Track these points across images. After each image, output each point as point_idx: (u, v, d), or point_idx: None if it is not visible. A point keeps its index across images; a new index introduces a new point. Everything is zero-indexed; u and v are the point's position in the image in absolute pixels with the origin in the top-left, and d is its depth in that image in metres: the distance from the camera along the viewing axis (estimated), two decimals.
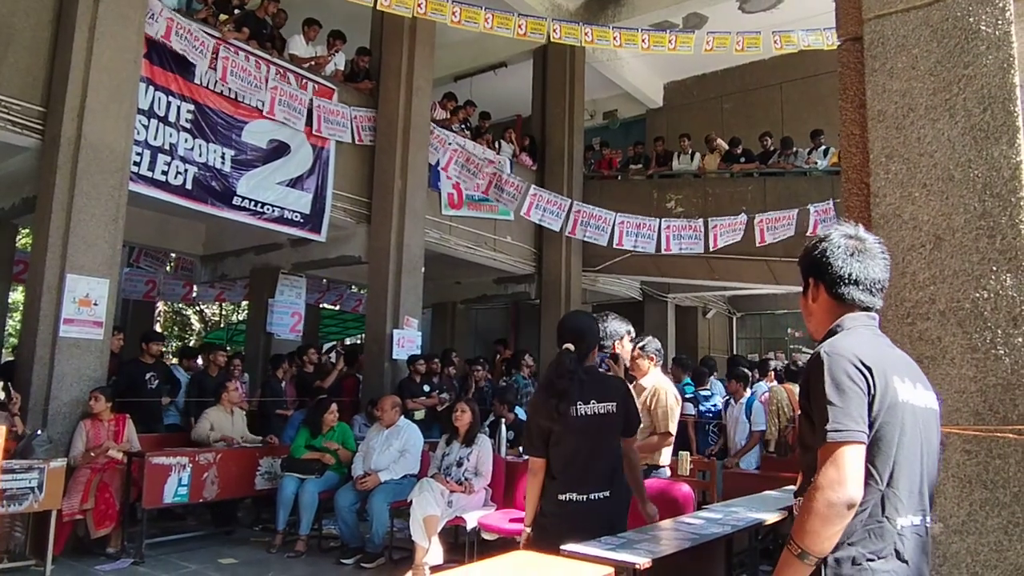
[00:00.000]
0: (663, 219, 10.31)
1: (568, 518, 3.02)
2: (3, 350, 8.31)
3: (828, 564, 1.62)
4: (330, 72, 9.11)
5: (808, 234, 9.39)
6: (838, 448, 1.58)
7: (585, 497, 3.05)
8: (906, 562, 1.65)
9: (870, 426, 1.63)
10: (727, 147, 12.13)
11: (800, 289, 1.97)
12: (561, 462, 3.08)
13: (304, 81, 8.60)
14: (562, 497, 3.05)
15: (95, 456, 5.71)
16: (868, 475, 1.62)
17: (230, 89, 7.79)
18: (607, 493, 3.10)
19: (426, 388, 8.69)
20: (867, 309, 1.82)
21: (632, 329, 4.03)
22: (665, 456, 4.38)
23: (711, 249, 10.08)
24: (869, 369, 1.64)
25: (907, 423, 1.67)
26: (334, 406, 6.78)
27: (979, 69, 2.22)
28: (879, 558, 1.63)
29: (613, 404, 3.15)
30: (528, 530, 3.16)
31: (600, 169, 13.38)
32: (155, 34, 6.93)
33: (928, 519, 1.72)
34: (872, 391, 1.63)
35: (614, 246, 10.31)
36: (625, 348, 3.93)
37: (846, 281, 1.80)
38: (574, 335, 3.16)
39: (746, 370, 7.91)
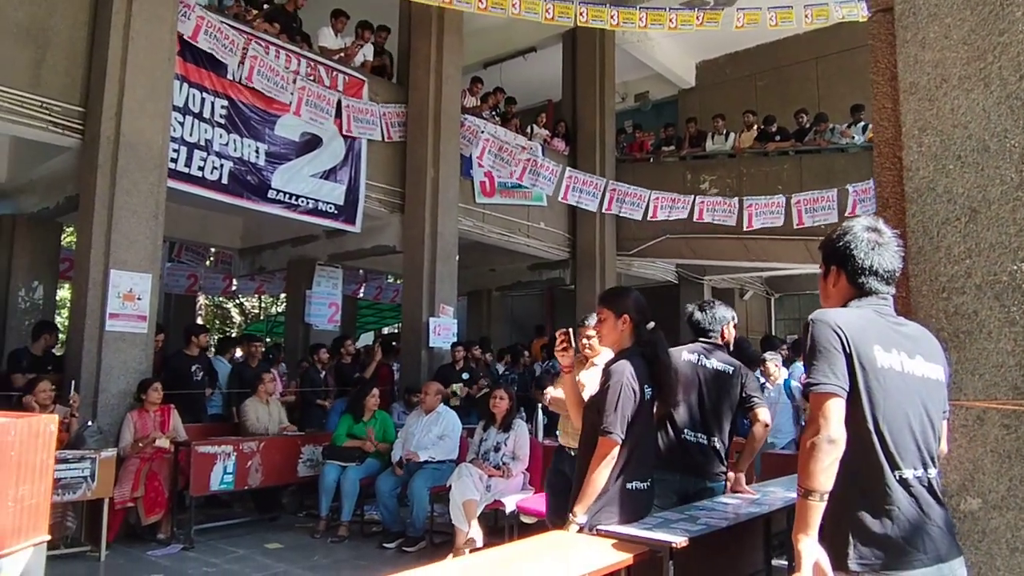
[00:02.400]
0: (697, 196, 10.44)
1: (635, 509, 2.90)
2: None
3: (841, 509, 1.83)
4: (359, 63, 9.17)
5: (847, 214, 9.24)
6: (816, 398, 1.83)
7: (647, 485, 2.99)
8: (917, 508, 1.83)
9: (863, 389, 1.84)
10: (761, 126, 11.94)
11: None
12: (638, 447, 2.93)
13: (334, 74, 8.67)
14: (630, 486, 2.89)
15: (143, 446, 5.88)
16: (863, 433, 1.84)
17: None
18: (653, 480, 3.08)
19: (465, 376, 8.76)
20: (877, 293, 2.01)
21: (736, 314, 4.05)
22: None
23: (746, 228, 10.06)
24: (845, 333, 1.86)
25: (891, 388, 1.86)
26: (375, 390, 6.91)
27: (1015, 36, 2.16)
28: (887, 505, 1.82)
29: None
30: (582, 517, 2.82)
31: (632, 152, 13.28)
32: (185, 33, 7.04)
33: (931, 471, 1.89)
34: (848, 351, 1.84)
35: (648, 219, 10.49)
36: (730, 332, 3.96)
37: (867, 272, 2.00)
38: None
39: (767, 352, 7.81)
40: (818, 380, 1.83)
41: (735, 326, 4.04)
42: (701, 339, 3.84)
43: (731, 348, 3.98)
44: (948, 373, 2.02)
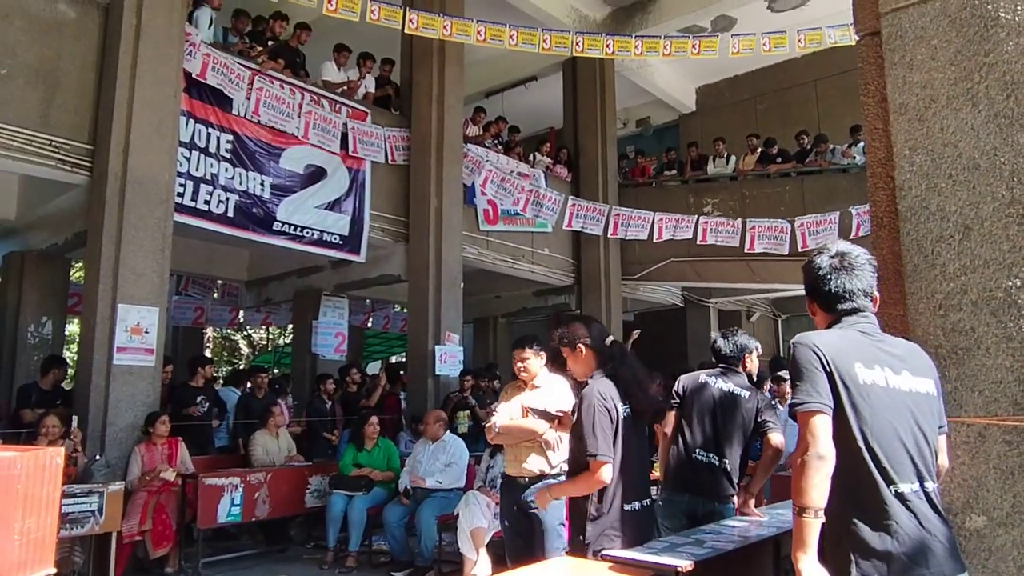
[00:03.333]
0: (701, 216, 10.54)
1: (636, 530, 2.93)
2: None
3: (840, 527, 1.85)
4: (362, 95, 9.29)
5: (851, 236, 9.28)
6: (802, 417, 1.88)
7: (644, 505, 3.01)
8: (916, 523, 1.84)
9: (848, 406, 1.88)
10: (762, 147, 12.03)
11: None
12: (629, 467, 2.95)
13: (338, 106, 8.79)
14: (628, 507, 2.93)
15: (150, 479, 5.88)
16: (853, 449, 1.87)
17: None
18: (651, 499, 3.12)
19: (473, 401, 8.74)
20: (857, 310, 2.08)
21: (760, 345, 4.10)
22: (538, 462, 3.91)
23: (747, 250, 10.13)
24: (823, 353, 1.92)
25: (877, 403, 1.90)
26: (375, 419, 6.91)
27: (1000, 56, 2.19)
28: (885, 520, 1.83)
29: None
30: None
31: (634, 177, 13.37)
32: (193, 71, 7.16)
33: (928, 485, 1.90)
34: (828, 369, 1.90)
35: (654, 240, 10.56)
36: (753, 363, 4.04)
37: (832, 298, 2.10)
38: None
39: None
40: (802, 399, 1.89)
41: (759, 357, 4.09)
42: (721, 364, 3.89)
43: (752, 379, 4.02)
44: (940, 387, 2.05)
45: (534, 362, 4.01)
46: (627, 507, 2.92)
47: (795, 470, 1.84)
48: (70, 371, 9.00)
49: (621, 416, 2.96)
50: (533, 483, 3.89)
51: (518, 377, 4.06)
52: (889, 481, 1.85)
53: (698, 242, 10.53)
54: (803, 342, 1.97)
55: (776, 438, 3.65)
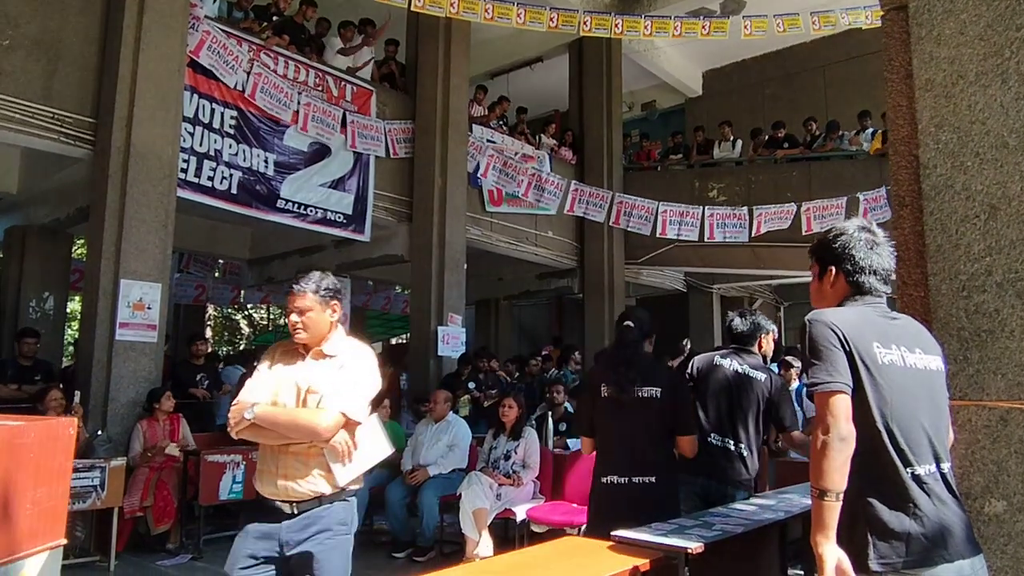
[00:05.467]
0: (707, 206, 10.35)
1: (612, 504, 3.13)
2: (63, 357, 8.58)
3: (857, 508, 1.81)
4: (367, 58, 9.18)
5: None
6: (820, 397, 1.81)
7: (634, 480, 3.13)
8: (933, 505, 1.80)
9: (868, 386, 1.82)
10: (770, 132, 11.94)
11: None
12: (601, 442, 3.31)
13: (343, 84, 8.70)
14: (604, 480, 3.20)
15: (152, 455, 5.86)
16: (872, 431, 1.82)
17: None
18: (653, 479, 3.16)
19: (471, 385, 8.71)
20: (874, 291, 2.02)
21: (776, 328, 4.10)
22: (315, 480, 2.54)
23: (755, 235, 10.05)
24: (842, 331, 1.85)
25: (896, 384, 1.85)
26: (387, 401, 6.87)
27: None
28: (904, 502, 1.80)
29: (658, 389, 3.18)
30: None
31: (640, 161, 13.28)
32: (189, 46, 7.03)
33: (944, 466, 1.86)
34: (847, 348, 1.84)
35: (657, 235, 10.39)
36: (768, 344, 3.98)
37: (866, 271, 2.01)
38: (633, 319, 3.42)
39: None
40: (821, 379, 1.81)
41: (775, 340, 4.04)
42: (734, 344, 3.83)
43: (767, 361, 3.97)
44: (946, 363, 2.02)
45: (319, 315, 2.61)
46: (603, 480, 3.19)
47: (815, 452, 1.78)
48: (68, 347, 8.97)
49: (603, 395, 3.28)
50: (307, 510, 2.54)
51: (292, 335, 2.64)
52: (907, 463, 1.81)
53: (706, 239, 10.40)
54: (820, 319, 1.89)
55: (798, 436, 3.68)
